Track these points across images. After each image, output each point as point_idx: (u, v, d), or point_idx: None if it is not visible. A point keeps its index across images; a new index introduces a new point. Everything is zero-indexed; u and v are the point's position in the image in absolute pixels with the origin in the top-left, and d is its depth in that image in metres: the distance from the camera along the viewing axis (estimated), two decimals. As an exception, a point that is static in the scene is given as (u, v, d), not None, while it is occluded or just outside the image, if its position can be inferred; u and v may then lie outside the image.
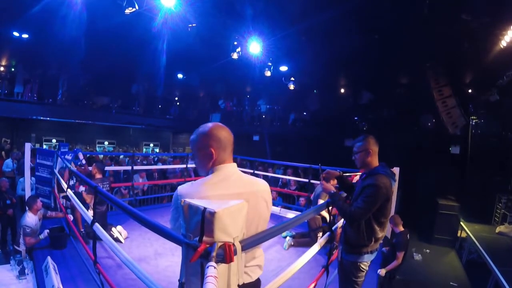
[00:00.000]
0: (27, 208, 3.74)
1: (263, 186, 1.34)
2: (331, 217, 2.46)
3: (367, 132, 3.40)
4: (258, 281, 1.35)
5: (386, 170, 2.03)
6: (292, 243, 4.23)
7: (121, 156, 9.87)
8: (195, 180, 1.34)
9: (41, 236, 3.56)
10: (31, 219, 3.64)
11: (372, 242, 2.02)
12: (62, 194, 4.46)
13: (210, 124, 1.32)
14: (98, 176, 4.23)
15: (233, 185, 1.25)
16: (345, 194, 2.36)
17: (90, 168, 4.47)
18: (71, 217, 4.07)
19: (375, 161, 2.09)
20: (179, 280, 1.09)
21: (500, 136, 8.76)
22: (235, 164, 1.32)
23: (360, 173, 2.25)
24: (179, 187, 1.25)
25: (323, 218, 4.28)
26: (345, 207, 2.00)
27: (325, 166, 3.41)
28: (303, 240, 4.28)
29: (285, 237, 4.37)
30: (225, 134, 1.29)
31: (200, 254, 0.92)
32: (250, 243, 1.14)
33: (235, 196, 1.19)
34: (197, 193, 1.19)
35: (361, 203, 1.93)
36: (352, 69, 10.81)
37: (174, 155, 12.11)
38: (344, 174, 2.45)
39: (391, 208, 2.03)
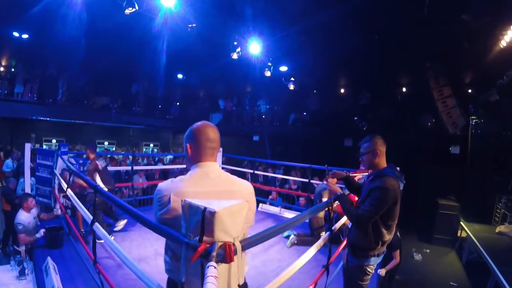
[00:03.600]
0: (21, 206, 3.79)
1: (244, 186, 1.33)
2: (331, 217, 2.45)
3: (367, 132, 3.38)
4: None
5: (394, 171, 1.98)
6: (296, 241, 4.20)
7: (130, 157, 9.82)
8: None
9: (37, 235, 3.56)
10: (23, 216, 3.67)
11: (379, 245, 1.98)
12: (62, 194, 4.47)
13: (198, 123, 1.36)
14: (92, 156, 4.25)
15: (210, 183, 1.26)
16: (347, 192, 2.35)
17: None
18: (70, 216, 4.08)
19: (383, 162, 2.03)
20: (179, 280, 1.09)
21: (500, 136, 8.77)
22: (216, 163, 1.34)
23: (361, 173, 2.23)
24: (160, 183, 1.28)
25: (325, 217, 4.27)
26: (352, 210, 1.97)
27: (331, 167, 3.38)
28: (307, 238, 4.26)
29: (287, 236, 4.37)
30: (204, 133, 1.31)
31: (200, 254, 0.92)
32: (250, 243, 1.14)
33: (211, 193, 1.21)
34: (173, 188, 1.22)
35: (368, 206, 1.88)
36: (352, 69, 10.81)
37: (176, 155, 12.10)
38: (350, 175, 2.42)
39: (399, 211, 1.98)
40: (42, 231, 3.60)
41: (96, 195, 2.52)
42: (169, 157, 11.98)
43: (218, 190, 1.24)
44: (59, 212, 3.66)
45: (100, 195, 2.37)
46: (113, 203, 2.31)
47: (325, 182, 2.28)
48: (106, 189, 3.73)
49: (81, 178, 3.22)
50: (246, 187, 1.34)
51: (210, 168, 1.30)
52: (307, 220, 4.35)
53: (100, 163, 4.20)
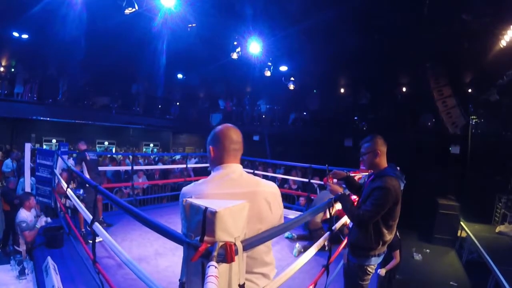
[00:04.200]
0: (21, 205, 3.81)
1: (267, 187, 1.30)
2: (331, 217, 2.44)
3: (367, 132, 3.37)
4: None
5: (395, 171, 1.98)
6: (302, 250, 4.08)
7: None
8: (196, 180, 1.36)
9: (38, 225, 3.57)
10: (25, 214, 3.68)
11: (380, 245, 1.98)
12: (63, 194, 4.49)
13: (220, 126, 1.37)
14: (82, 147, 4.52)
15: (233, 185, 1.25)
16: (347, 192, 2.35)
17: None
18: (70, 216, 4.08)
19: (383, 162, 2.03)
20: (179, 280, 1.09)
21: (500, 136, 8.77)
22: (239, 165, 1.33)
23: (361, 173, 2.23)
24: (183, 187, 1.28)
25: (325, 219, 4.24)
26: (353, 210, 1.97)
27: (331, 167, 3.36)
28: (307, 244, 4.21)
29: (287, 237, 4.37)
30: (226, 136, 1.32)
31: (201, 253, 0.92)
32: (251, 243, 1.14)
33: (233, 195, 1.19)
34: (195, 191, 1.22)
35: (369, 206, 1.88)
36: (352, 69, 10.81)
37: (182, 155, 12.09)
38: (351, 175, 2.41)
39: (399, 211, 1.98)
40: (43, 219, 3.61)
41: (96, 194, 2.52)
42: (177, 156, 11.94)
43: (241, 191, 1.22)
44: (43, 223, 3.71)
45: (100, 194, 2.37)
46: (113, 203, 2.31)
47: (328, 184, 2.26)
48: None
49: (81, 177, 3.23)
50: (270, 188, 1.31)
51: (233, 169, 1.29)
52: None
53: (90, 155, 4.39)
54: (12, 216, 5.11)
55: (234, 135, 1.33)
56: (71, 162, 4.56)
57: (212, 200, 1.06)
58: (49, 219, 3.70)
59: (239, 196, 1.18)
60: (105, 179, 6.91)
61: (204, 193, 1.20)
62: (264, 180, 1.35)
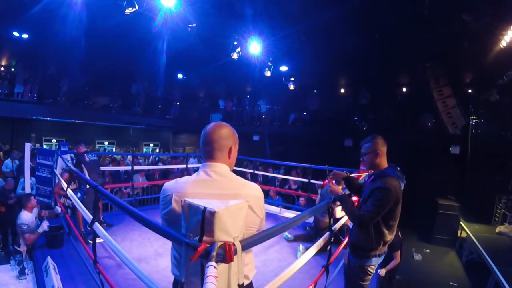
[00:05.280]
0: (22, 207, 3.78)
1: (250, 190, 1.25)
2: (331, 218, 2.45)
3: (367, 132, 3.37)
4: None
5: (395, 172, 1.97)
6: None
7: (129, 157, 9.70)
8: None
9: (40, 230, 3.56)
10: (26, 216, 3.67)
11: (381, 245, 1.98)
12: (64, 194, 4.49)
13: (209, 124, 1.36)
14: (81, 150, 4.46)
15: (215, 185, 1.22)
16: (347, 192, 2.35)
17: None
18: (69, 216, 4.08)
19: (384, 162, 2.03)
20: (179, 280, 1.09)
21: (500, 136, 8.76)
22: (223, 165, 1.28)
23: (362, 174, 2.22)
24: (165, 183, 1.29)
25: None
26: (354, 210, 1.96)
27: (331, 167, 3.35)
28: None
29: (285, 238, 4.36)
30: (207, 135, 1.30)
31: (200, 253, 0.92)
32: (250, 243, 1.14)
33: (214, 196, 1.17)
34: (177, 189, 1.22)
35: (370, 207, 1.88)
36: (352, 69, 10.81)
37: (182, 155, 12.07)
38: (351, 175, 2.41)
39: (400, 211, 1.97)
40: (45, 224, 3.60)
41: (97, 195, 2.51)
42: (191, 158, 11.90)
43: (222, 193, 1.19)
44: (59, 210, 3.66)
45: (99, 195, 2.37)
46: (113, 203, 2.32)
47: (329, 184, 2.25)
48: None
49: (80, 177, 3.23)
50: (252, 191, 1.26)
51: (217, 169, 1.26)
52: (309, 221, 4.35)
53: (89, 156, 4.38)
54: (8, 217, 5.12)
55: (216, 134, 1.29)
56: (64, 164, 4.52)
57: (210, 200, 1.06)
58: (45, 225, 3.66)
59: (220, 197, 1.15)
60: (111, 179, 6.90)
61: (185, 191, 1.19)
62: (249, 182, 1.30)
